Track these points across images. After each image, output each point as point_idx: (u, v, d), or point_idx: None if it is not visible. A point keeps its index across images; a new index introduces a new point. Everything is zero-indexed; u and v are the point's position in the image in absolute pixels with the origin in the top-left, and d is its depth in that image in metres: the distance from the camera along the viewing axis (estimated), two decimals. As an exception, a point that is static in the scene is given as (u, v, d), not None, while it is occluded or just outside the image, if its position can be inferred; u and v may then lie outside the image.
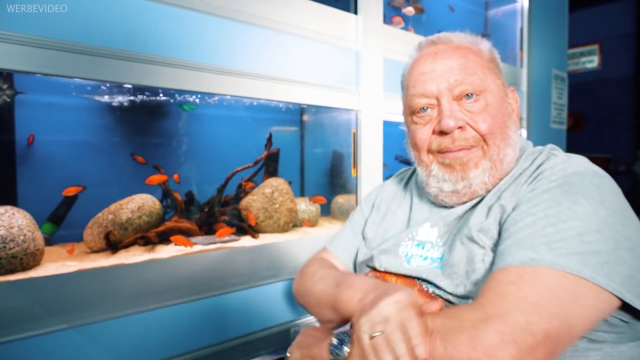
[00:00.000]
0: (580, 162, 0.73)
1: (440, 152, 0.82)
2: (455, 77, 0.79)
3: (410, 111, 0.86)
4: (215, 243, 1.47)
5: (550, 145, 0.83)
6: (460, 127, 0.79)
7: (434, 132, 0.82)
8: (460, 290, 0.74)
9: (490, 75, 0.82)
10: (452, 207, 0.86)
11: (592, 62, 5.50)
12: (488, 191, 0.81)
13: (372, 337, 0.59)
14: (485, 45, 0.86)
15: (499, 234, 0.73)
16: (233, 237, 1.56)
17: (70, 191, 1.46)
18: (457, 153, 0.80)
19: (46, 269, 1.18)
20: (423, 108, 0.83)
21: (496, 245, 0.72)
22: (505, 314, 0.57)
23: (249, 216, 1.69)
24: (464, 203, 0.84)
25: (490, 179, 0.80)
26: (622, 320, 0.66)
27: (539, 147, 0.84)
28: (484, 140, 0.79)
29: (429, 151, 0.84)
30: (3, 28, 0.98)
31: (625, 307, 0.62)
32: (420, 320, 0.60)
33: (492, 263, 0.71)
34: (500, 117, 0.81)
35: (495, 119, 0.80)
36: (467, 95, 0.79)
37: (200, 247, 1.41)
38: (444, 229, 0.84)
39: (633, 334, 0.69)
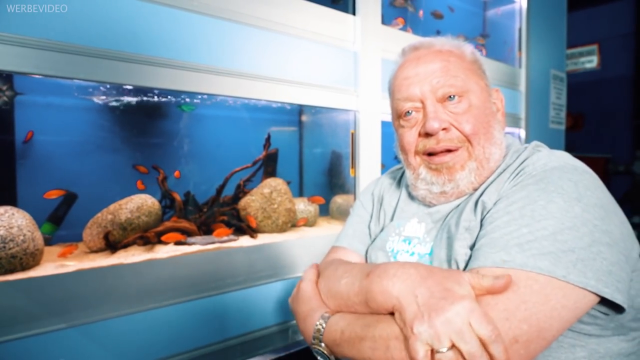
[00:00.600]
0: (561, 157, 0.73)
1: (426, 154, 0.84)
2: (438, 79, 0.81)
3: (397, 115, 0.88)
4: (214, 243, 1.47)
5: (535, 142, 0.84)
6: (444, 129, 0.81)
7: (420, 135, 0.84)
8: None
9: (472, 76, 0.84)
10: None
11: (591, 62, 5.50)
12: (475, 189, 0.82)
13: (437, 352, 0.55)
14: (467, 48, 0.88)
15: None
16: (232, 237, 1.56)
17: (52, 194, 1.46)
18: (443, 157, 0.82)
19: (45, 268, 1.18)
20: (408, 111, 0.85)
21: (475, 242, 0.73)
22: None
23: (250, 219, 1.70)
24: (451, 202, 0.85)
25: (477, 178, 0.81)
26: (602, 312, 0.66)
27: (525, 144, 0.85)
28: (468, 141, 0.81)
29: (417, 153, 0.86)
30: (3, 29, 0.99)
31: (606, 300, 0.62)
32: (495, 327, 0.56)
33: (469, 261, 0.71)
34: (484, 117, 0.82)
35: (478, 119, 0.81)
36: (450, 96, 0.81)
37: (199, 247, 1.42)
38: (432, 225, 0.86)
39: (617, 328, 0.69)
